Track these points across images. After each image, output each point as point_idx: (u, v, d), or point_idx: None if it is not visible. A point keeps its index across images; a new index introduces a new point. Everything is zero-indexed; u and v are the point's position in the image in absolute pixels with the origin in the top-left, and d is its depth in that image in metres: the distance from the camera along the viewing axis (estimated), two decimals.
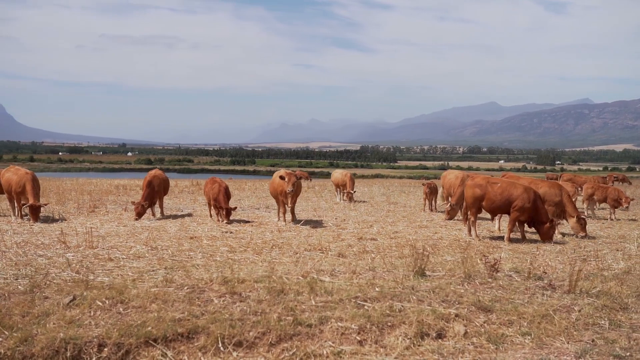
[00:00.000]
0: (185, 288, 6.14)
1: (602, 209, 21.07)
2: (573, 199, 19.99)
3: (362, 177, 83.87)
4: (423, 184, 20.68)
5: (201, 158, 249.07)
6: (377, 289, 6.24)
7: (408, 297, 6.02)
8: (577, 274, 6.77)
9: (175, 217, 16.17)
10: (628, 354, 4.94)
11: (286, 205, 15.15)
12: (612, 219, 17.66)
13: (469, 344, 5.09)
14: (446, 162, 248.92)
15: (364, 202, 23.08)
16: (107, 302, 5.67)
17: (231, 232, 12.97)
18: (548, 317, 5.74)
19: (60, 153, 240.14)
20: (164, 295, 5.92)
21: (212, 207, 15.80)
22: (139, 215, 15.31)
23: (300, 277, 6.68)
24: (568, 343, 5.23)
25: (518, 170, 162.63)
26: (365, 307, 5.67)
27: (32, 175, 15.30)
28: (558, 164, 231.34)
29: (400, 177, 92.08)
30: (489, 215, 14.28)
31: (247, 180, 44.32)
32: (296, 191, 15.15)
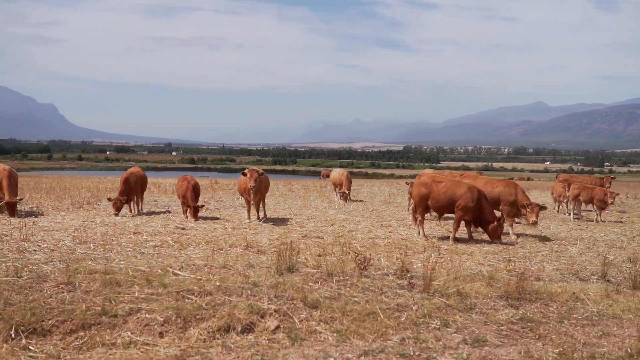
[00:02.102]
0: (27, 278, 6.37)
1: (608, 210, 20.34)
2: (563, 200, 19.44)
3: (400, 177, 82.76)
4: (407, 183, 20.44)
5: (244, 158, 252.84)
6: (217, 284, 6.30)
7: (242, 292, 6.05)
8: (430, 274, 6.62)
9: (152, 213, 16.53)
10: (417, 353, 4.83)
11: (251, 203, 15.24)
12: (597, 220, 17.01)
13: (265, 339, 5.08)
14: (490, 163, 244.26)
15: (360, 201, 22.99)
16: None
17: (183, 229, 13.21)
18: (374, 315, 5.65)
19: (107, 152, 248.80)
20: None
21: (182, 205, 16.11)
22: (117, 209, 15.76)
23: (159, 270, 6.80)
24: (374, 341, 5.14)
25: (564, 171, 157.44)
26: (187, 300, 5.74)
27: (10, 171, 15.93)
28: (607, 166, 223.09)
29: None
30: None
31: (278, 180, 44.38)
32: (260, 189, 15.22)
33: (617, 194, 18.25)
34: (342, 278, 6.96)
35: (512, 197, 12.97)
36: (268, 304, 5.75)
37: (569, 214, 18.13)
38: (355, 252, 7.85)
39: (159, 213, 16.76)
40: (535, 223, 12.63)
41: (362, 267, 7.16)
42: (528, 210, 12.49)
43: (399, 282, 6.96)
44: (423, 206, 12.44)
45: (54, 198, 20.40)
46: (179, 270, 7.17)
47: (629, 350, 4.99)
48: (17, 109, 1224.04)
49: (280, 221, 15.09)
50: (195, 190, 16.03)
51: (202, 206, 15.95)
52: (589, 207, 19.03)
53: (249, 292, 6.09)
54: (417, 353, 4.82)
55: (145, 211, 17.10)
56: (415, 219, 12.83)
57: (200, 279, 6.62)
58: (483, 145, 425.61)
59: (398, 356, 4.76)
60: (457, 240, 12.01)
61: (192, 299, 5.79)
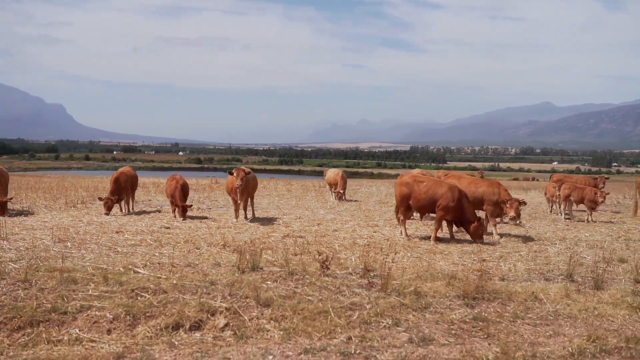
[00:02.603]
0: None
1: (603, 210, 20.28)
2: (555, 200, 19.34)
3: None
4: None
5: (250, 157, 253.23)
6: (174, 282, 6.34)
7: (197, 290, 6.10)
8: (387, 273, 6.64)
9: (142, 213, 16.60)
10: (358, 351, 4.84)
11: (238, 202, 15.26)
12: (588, 221, 16.93)
13: (211, 337, 5.12)
14: (497, 164, 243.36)
15: (355, 201, 22.98)
16: None
17: (167, 228, 13.27)
18: (325, 313, 5.67)
19: (114, 152, 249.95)
20: None
21: (171, 204, 16.18)
22: (108, 209, 15.85)
23: (121, 269, 6.86)
24: (320, 339, 5.16)
25: (571, 172, 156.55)
26: (139, 298, 5.79)
27: (0, 171, 16.09)
28: (614, 166, 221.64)
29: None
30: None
31: (279, 180, 44.36)
32: (247, 188, 15.24)
33: (608, 194, 18.14)
34: (302, 277, 6.99)
35: (496, 197, 12.92)
36: (220, 302, 5.79)
37: (561, 214, 18.05)
38: (318, 252, 7.86)
39: (149, 212, 16.84)
40: (514, 218, 12.60)
41: (324, 266, 7.17)
42: (507, 205, 12.44)
43: (360, 281, 6.97)
44: (405, 206, 12.43)
45: (50, 197, 20.55)
46: (142, 268, 7.22)
47: (572, 349, 4.98)
48: (25, 109, 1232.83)
49: (267, 221, 15.13)
50: (184, 190, 16.11)
51: (191, 205, 16.01)
52: (582, 207, 18.94)
53: (204, 291, 6.13)
54: (358, 351, 4.83)
55: (136, 210, 17.19)
56: (398, 218, 12.83)
57: (160, 277, 6.67)
58: (490, 145, 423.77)
59: (338, 354, 4.78)
60: (439, 240, 12.00)
61: (145, 297, 5.84)
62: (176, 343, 4.94)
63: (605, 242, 12.33)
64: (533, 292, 6.72)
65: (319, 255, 7.51)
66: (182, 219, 15.15)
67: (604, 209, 21.37)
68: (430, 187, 12.08)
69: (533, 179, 72.05)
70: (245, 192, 15.17)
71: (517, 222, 15.49)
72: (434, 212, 12.14)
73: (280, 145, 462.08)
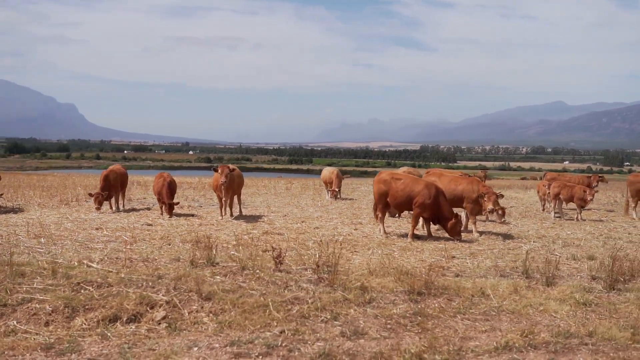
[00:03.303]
0: None
1: (597, 209, 20.16)
2: (547, 198, 19.22)
3: None
4: None
5: (260, 157, 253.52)
6: (122, 276, 6.44)
7: (143, 284, 6.18)
8: (334, 268, 6.68)
9: (132, 210, 16.74)
10: (285, 344, 4.89)
11: (223, 199, 15.31)
12: (578, 219, 16.84)
13: (145, 330, 5.20)
14: (507, 163, 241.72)
15: (351, 199, 23.00)
16: None
17: (150, 225, 13.38)
18: (265, 307, 5.73)
19: (125, 151, 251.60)
20: None
21: (158, 201, 16.32)
22: (99, 203, 16.02)
23: (75, 262, 6.97)
24: (252, 332, 5.22)
25: (582, 171, 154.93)
26: (83, 291, 5.89)
27: None
28: (627, 165, 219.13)
29: None
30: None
31: (280, 179, 44.29)
32: (232, 186, 15.27)
33: (596, 191, 18.02)
34: (253, 272, 7.04)
35: (475, 195, 12.88)
36: (162, 295, 5.87)
37: (551, 213, 17.95)
38: (272, 247, 7.90)
39: (139, 210, 16.99)
40: (492, 211, 12.59)
41: (277, 261, 7.23)
42: (485, 198, 12.41)
43: (310, 276, 7.02)
44: (383, 203, 12.43)
45: (46, 195, 20.78)
46: (96, 263, 7.32)
47: (498, 344, 4.99)
48: (38, 108, 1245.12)
49: (252, 218, 15.19)
50: (171, 188, 16.23)
51: (177, 203, 16.14)
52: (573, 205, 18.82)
53: (149, 284, 6.21)
54: (284, 344, 4.88)
55: (127, 208, 17.33)
56: (376, 216, 12.84)
57: (110, 272, 6.77)
58: (501, 144, 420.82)
59: (264, 347, 4.83)
60: (417, 237, 12.00)
61: (88, 290, 5.94)
62: (109, 335, 5.03)
63: (583, 240, 12.26)
64: (481, 288, 6.73)
65: (273, 251, 7.56)
66: (168, 216, 15.27)
67: (597, 208, 21.23)
68: (408, 185, 12.07)
69: (540, 179, 71.42)
70: (230, 190, 15.22)
71: (502, 219, 15.44)
72: (412, 210, 12.13)
73: (291, 145, 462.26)
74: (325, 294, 6.28)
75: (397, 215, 15.78)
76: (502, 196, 13.19)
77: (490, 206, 12.36)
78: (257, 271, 7.08)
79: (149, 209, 17.39)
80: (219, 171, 14.88)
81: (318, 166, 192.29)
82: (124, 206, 17.53)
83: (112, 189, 16.92)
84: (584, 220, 16.81)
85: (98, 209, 15.80)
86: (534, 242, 11.80)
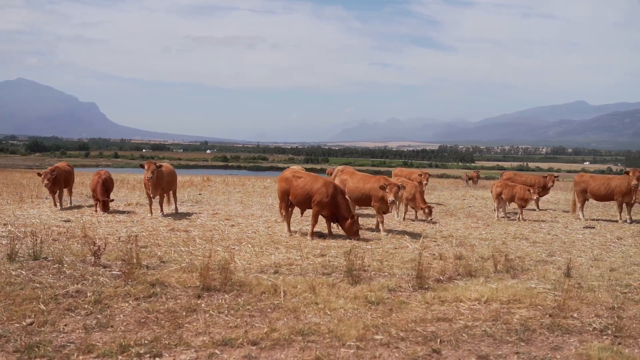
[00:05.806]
0: None
1: (552, 209, 19.86)
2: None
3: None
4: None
5: (277, 156, 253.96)
6: None
7: None
8: (135, 262, 6.75)
9: (81, 207, 16.91)
10: (17, 333, 4.96)
11: (151, 196, 15.31)
12: (519, 219, 16.66)
13: None
14: (526, 163, 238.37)
15: None
16: None
17: (67, 221, 13.51)
18: (36, 300, 5.82)
19: (143, 150, 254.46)
20: None
21: (93, 198, 16.52)
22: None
23: None
24: (2, 323, 5.30)
25: (602, 172, 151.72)
26: None
27: None
28: None
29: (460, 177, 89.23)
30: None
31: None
32: (161, 183, 15.28)
33: (540, 190, 17.77)
34: (59, 266, 7.13)
35: (381, 193, 12.80)
36: None
37: (495, 212, 17.74)
38: (93, 242, 7.96)
39: (82, 207, 17.09)
40: (393, 202, 12.51)
41: (96, 255, 7.32)
42: (387, 190, 12.35)
43: (114, 272, 7.07)
44: (285, 201, 12.42)
45: (14, 192, 20.97)
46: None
47: (221, 339, 5.00)
48: (60, 107, 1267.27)
49: (181, 215, 15.21)
50: (105, 185, 16.39)
51: (112, 200, 16.31)
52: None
53: None
54: (17, 333, 4.95)
55: (75, 204, 17.50)
56: (281, 214, 12.85)
57: None
58: (520, 145, 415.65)
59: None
60: (320, 235, 11.98)
61: None
62: None
63: (490, 240, 12.10)
64: (274, 285, 6.69)
65: (93, 245, 7.64)
66: (103, 212, 15.45)
67: (553, 208, 20.92)
68: (307, 183, 12.06)
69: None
70: (158, 187, 15.19)
71: (429, 218, 15.29)
72: (311, 208, 12.11)
73: (309, 144, 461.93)
74: (113, 287, 6.34)
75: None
76: (404, 187, 13.14)
77: (391, 197, 12.28)
78: (64, 265, 7.17)
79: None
80: (145, 167, 14.93)
81: (334, 165, 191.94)
82: (70, 203, 17.75)
83: (56, 185, 17.16)
84: (525, 220, 16.60)
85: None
86: (419, 242, 11.56)
